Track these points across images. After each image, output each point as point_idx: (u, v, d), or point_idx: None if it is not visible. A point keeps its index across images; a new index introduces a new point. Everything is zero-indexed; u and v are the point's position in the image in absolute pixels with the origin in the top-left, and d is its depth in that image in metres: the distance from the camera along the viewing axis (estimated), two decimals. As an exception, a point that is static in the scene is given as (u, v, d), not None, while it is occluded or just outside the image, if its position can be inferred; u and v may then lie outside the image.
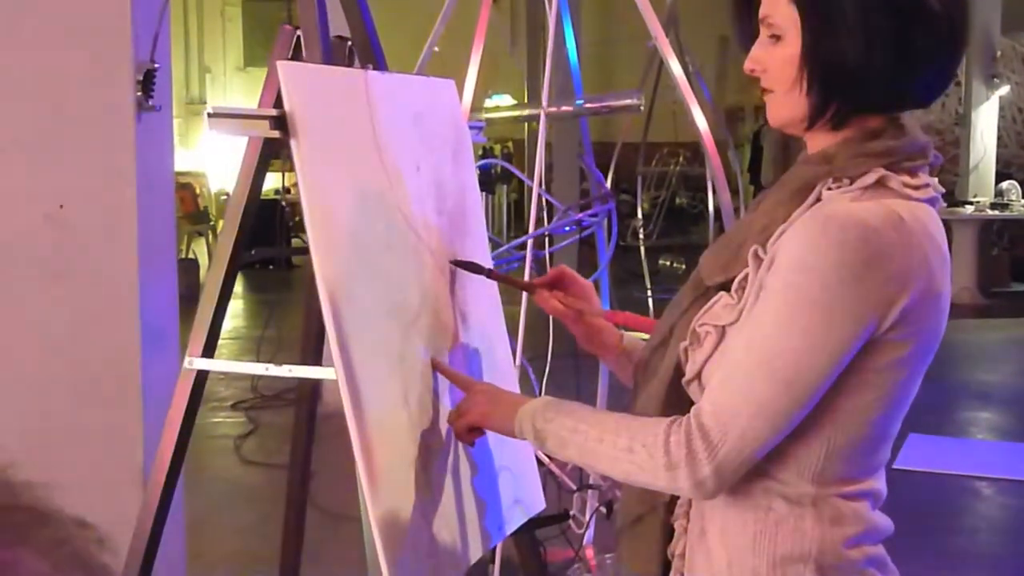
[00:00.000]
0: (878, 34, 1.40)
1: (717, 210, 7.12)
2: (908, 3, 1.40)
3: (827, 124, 1.48)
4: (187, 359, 1.89)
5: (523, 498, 2.13)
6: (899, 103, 1.48)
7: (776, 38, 1.48)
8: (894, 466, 5.32)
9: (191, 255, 12.17)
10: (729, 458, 1.39)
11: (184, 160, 15.23)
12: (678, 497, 1.56)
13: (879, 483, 1.52)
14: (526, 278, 3.47)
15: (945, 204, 1.54)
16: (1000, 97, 11.84)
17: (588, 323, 1.81)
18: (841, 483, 1.47)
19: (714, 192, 6.45)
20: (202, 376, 1.92)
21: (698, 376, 1.48)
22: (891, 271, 1.38)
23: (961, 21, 1.45)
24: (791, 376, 1.38)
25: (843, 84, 1.44)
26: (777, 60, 1.48)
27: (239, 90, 17.92)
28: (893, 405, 1.46)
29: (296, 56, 1.88)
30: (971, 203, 11.02)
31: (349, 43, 2.03)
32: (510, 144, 15.51)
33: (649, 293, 8.81)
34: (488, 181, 12.65)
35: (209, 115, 1.57)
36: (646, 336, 1.70)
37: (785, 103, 1.49)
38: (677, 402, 1.50)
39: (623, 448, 1.45)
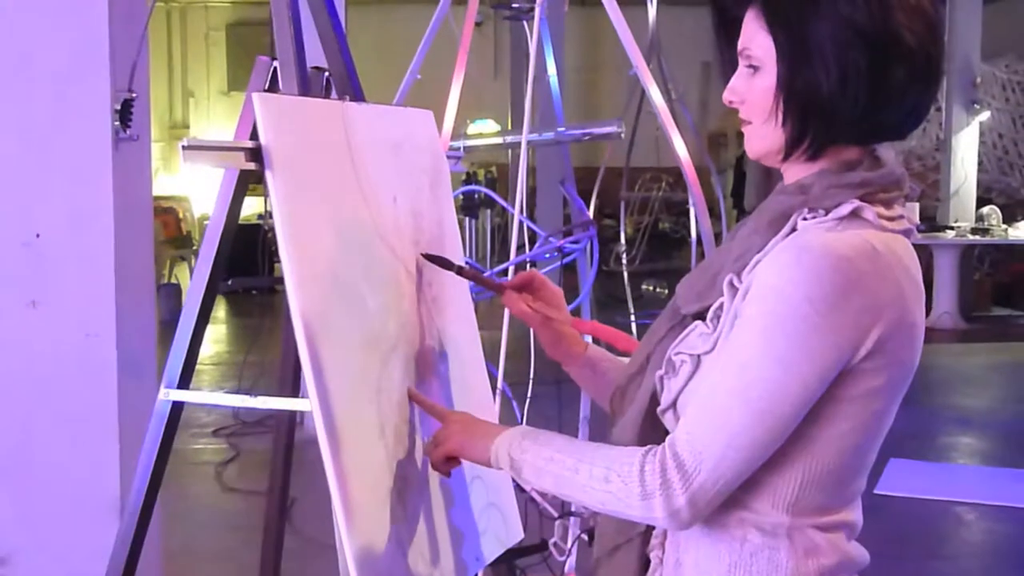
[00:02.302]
0: (853, 67, 1.41)
1: (700, 235, 7.14)
2: (883, 37, 1.41)
3: (803, 155, 1.48)
4: (163, 390, 1.88)
5: (501, 528, 2.12)
6: (874, 135, 1.49)
7: (754, 69, 1.49)
8: (875, 491, 5.32)
9: (173, 280, 12.15)
10: (704, 488, 1.39)
11: (167, 184, 15.23)
12: (654, 527, 1.56)
13: (855, 514, 1.53)
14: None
15: (919, 236, 1.54)
16: (980, 123, 11.93)
17: (555, 330, 1.81)
18: (816, 514, 1.47)
19: (696, 218, 6.46)
20: (178, 407, 1.91)
21: (673, 405, 1.49)
22: (865, 301, 1.38)
23: (936, 55, 1.46)
24: (765, 406, 1.38)
25: (818, 116, 1.45)
26: (755, 91, 1.49)
27: (222, 114, 17.94)
28: (868, 435, 1.47)
29: (273, 87, 1.88)
30: (952, 228, 11.08)
31: (326, 74, 2.03)
32: (494, 169, 15.53)
33: (632, 318, 8.82)
34: (471, 206, 12.66)
35: (184, 147, 1.56)
36: (612, 347, 1.70)
37: (762, 134, 1.50)
38: (653, 431, 1.50)
39: (598, 478, 1.44)
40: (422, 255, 1.93)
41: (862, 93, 1.42)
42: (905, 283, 1.43)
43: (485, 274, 3.69)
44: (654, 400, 1.52)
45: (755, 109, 1.50)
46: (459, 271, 1.91)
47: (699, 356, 1.47)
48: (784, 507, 1.45)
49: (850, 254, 1.39)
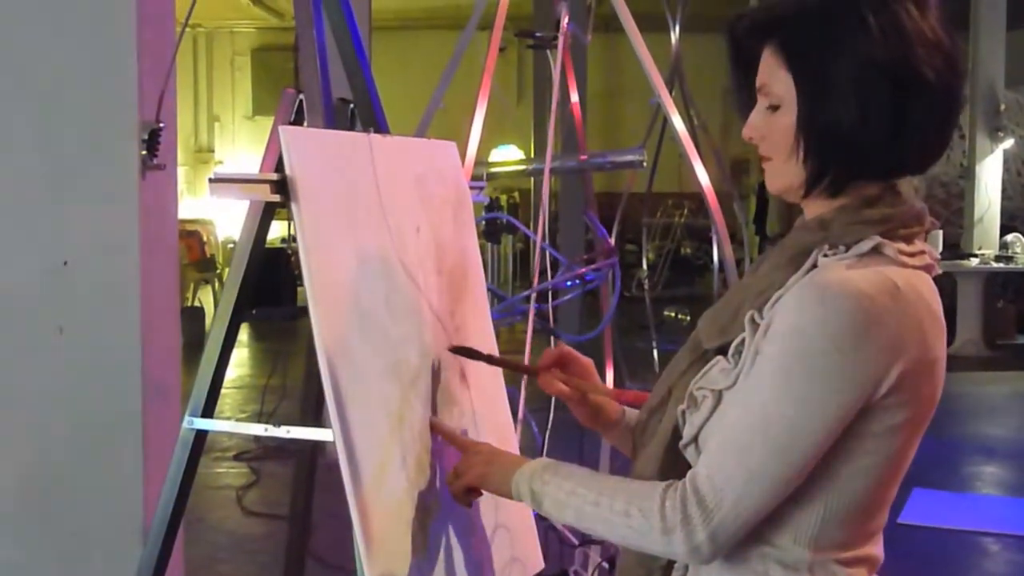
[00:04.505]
0: (874, 104, 1.41)
1: (722, 262, 7.14)
2: (903, 73, 1.42)
3: (824, 191, 1.49)
4: (187, 418, 1.90)
5: (521, 558, 2.12)
6: (896, 171, 1.50)
7: (774, 107, 1.49)
8: (898, 521, 5.28)
9: (197, 303, 12.20)
10: (725, 524, 1.40)
11: (191, 208, 15.33)
12: (675, 561, 1.57)
13: (876, 549, 1.52)
14: (529, 331, 3.48)
15: (940, 271, 1.54)
16: (1004, 150, 11.87)
17: (592, 402, 1.79)
18: (838, 549, 1.47)
19: (718, 244, 6.48)
20: (202, 435, 1.93)
21: (695, 440, 1.49)
22: (886, 338, 1.39)
23: (956, 87, 1.46)
24: (786, 443, 1.39)
25: (839, 153, 1.45)
26: (775, 128, 1.49)
27: (247, 138, 18.06)
28: (890, 471, 1.47)
29: (299, 118, 1.90)
30: (976, 255, 11.02)
31: (351, 105, 2.06)
32: (516, 194, 15.58)
33: (654, 344, 8.81)
34: (493, 231, 12.68)
35: (211, 180, 1.59)
36: None
37: (783, 170, 1.50)
38: (674, 465, 1.51)
39: (619, 512, 1.45)
40: (450, 348, 1.93)
41: (883, 129, 1.42)
42: (926, 320, 1.43)
43: (505, 302, 3.71)
44: (676, 434, 1.52)
45: (776, 146, 1.50)
46: (489, 360, 1.91)
47: (720, 391, 1.47)
48: (805, 542, 1.45)
49: (871, 291, 1.39)
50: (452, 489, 1.71)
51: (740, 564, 1.48)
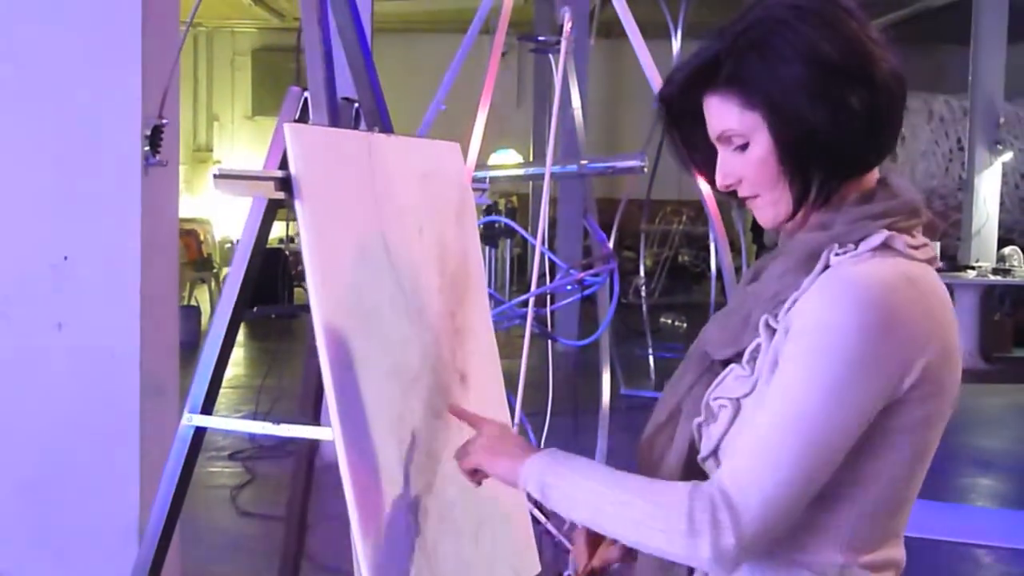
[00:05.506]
0: (841, 102, 1.42)
1: (719, 269, 7.14)
2: (860, 70, 1.42)
3: (815, 203, 1.49)
4: (186, 415, 1.89)
5: (517, 562, 2.12)
6: (878, 157, 1.50)
7: (743, 147, 1.49)
8: (893, 532, 5.26)
9: (193, 302, 12.18)
10: (754, 526, 1.35)
11: (189, 207, 15.34)
12: (694, 569, 1.54)
13: (900, 551, 1.51)
14: (526, 335, 3.47)
15: (944, 266, 1.54)
16: (1003, 163, 11.89)
17: None
18: (866, 551, 1.45)
19: (717, 252, 6.46)
20: (200, 432, 1.92)
21: (715, 452, 1.46)
22: (911, 329, 1.38)
23: (901, 73, 1.47)
24: (814, 438, 1.36)
25: (822, 159, 1.45)
26: (751, 164, 1.48)
27: (246, 138, 18.06)
28: (916, 466, 1.46)
29: (303, 117, 1.90)
30: (973, 268, 11.03)
31: (356, 105, 2.05)
32: (515, 198, 15.58)
33: (650, 351, 8.82)
34: (491, 235, 12.68)
35: (215, 176, 1.58)
36: None
37: (774, 200, 1.50)
38: (692, 480, 1.48)
39: (646, 513, 1.39)
40: None
41: (857, 124, 1.43)
42: (942, 311, 1.43)
43: (504, 306, 3.71)
44: (692, 449, 1.50)
45: (759, 181, 1.49)
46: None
47: (739, 400, 1.45)
48: (836, 545, 1.44)
49: (893, 284, 1.39)
50: (459, 465, 1.66)
51: (770, 572, 1.46)
